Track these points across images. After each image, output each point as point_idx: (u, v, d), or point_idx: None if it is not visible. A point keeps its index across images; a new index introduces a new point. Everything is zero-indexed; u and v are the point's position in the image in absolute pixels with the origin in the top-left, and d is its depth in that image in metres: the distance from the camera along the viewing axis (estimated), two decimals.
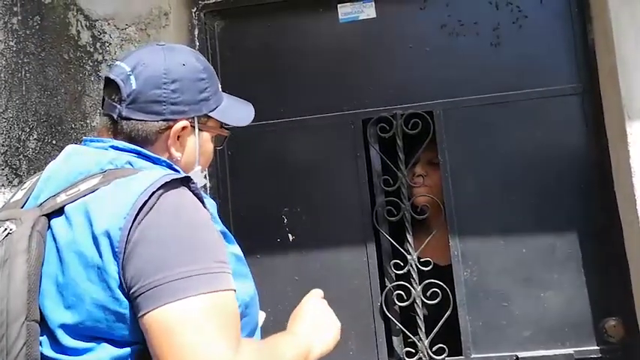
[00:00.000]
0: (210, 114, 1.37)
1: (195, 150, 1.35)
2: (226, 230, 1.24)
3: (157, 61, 1.31)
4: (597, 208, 2.20)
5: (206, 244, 1.14)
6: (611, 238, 2.16)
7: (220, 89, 1.42)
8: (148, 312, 1.05)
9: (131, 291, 1.07)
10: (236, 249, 1.25)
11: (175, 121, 1.30)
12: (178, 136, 1.32)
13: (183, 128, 1.31)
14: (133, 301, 1.08)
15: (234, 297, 1.13)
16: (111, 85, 1.31)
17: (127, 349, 1.11)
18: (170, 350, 1.03)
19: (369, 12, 2.35)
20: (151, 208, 1.11)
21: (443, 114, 2.27)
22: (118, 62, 1.33)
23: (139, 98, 1.28)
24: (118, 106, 1.29)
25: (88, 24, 2.30)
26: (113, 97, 1.31)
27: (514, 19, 2.28)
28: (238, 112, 1.47)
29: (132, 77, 1.28)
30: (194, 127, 1.34)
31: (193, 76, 1.33)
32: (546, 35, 2.26)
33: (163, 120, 1.30)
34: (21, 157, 2.27)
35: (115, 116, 1.30)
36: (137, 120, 1.29)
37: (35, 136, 2.28)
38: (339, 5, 2.36)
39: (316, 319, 1.36)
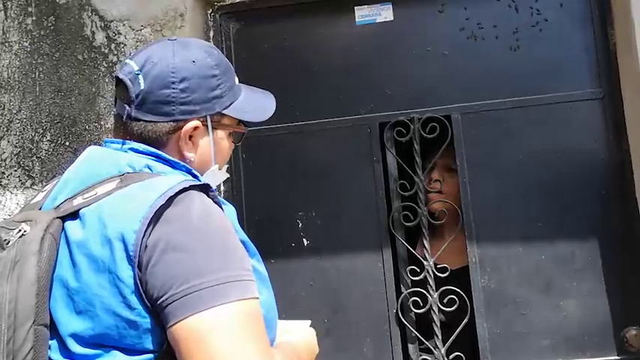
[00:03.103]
0: (225, 112, 1.30)
1: (210, 149, 1.30)
2: (247, 239, 1.20)
3: (166, 59, 1.24)
4: (618, 214, 2.16)
5: (234, 250, 1.11)
6: (632, 246, 2.13)
7: (237, 83, 1.35)
8: (180, 320, 1.02)
9: (159, 300, 1.04)
10: (254, 261, 1.21)
11: (186, 121, 1.25)
12: (190, 136, 1.26)
13: (195, 128, 1.26)
14: (162, 311, 1.04)
15: (259, 304, 1.10)
16: (120, 84, 1.27)
17: (138, 358, 1.07)
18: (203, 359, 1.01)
19: (386, 14, 2.32)
20: (171, 214, 1.08)
21: (461, 118, 2.24)
22: (127, 60, 1.28)
23: (147, 99, 1.23)
24: (127, 107, 1.24)
25: (102, 25, 2.28)
26: (123, 97, 1.26)
27: (534, 22, 2.25)
28: (256, 108, 1.38)
29: (140, 77, 1.23)
30: (207, 126, 1.28)
31: (204, 74, 1.26)
32: (567, 39, 2.23)
33: (173, 121, 1.24)
34: (34, 158, 2.25)
35: (124, 117, 1.25)
36: (146, 121, 1.24)
37: (48, 138, 2.26)
38: (355, 8, 2.34)
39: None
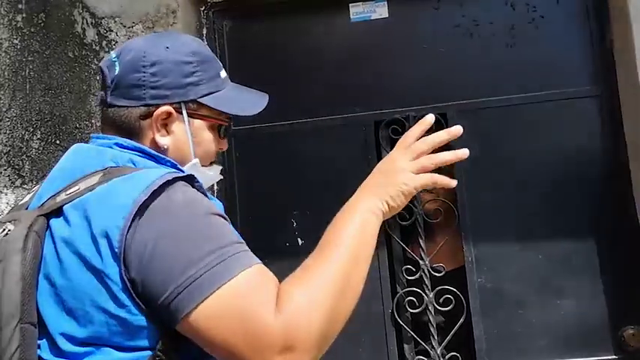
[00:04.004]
0: (201, 100, 1.28)
1: (188, 139, 1.28)
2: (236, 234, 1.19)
3: (141, 46, 1.26)
4: (615, 213, 2.14)
5: (222, 228, 1.10)
6: (630, 244, 2.11)
7: (222, 77, 1.33)
8: (193, 310, 1.01)
9: (162, 298, 1.02)
10: None
11: (157, 106, 1.24)
12: (165, 124, 1.25)
13: (169, 115, 1.24)
14: (166, 307, 1.02)
15: (264, 267, 1.09)
16: (101, 74, 1.29)
17: (130, 355, 1.06)
18: (231, 335, 1.01)
19: (381, 11, 2.30)
20: (156, 208, 1.06)
21: (457, 116, 2.22)
22: (111, 52, 1.31)
23: (120, 83, 1.24)
24: (104, 94, 1.26)
25: (93, 22, 2.25)
26: (102, 85, 1.28)
27: (530, 19, 2.23)
28: (241, 101, 1.36)
29: (116, 63, 1.25)
30: (181, 113, 1.26)
31: (177, 59, 1.25)
32: (563, 36, 2.21)
33: (144, 105, 1.24)
34: (24, 157, 2.22)
35: (103, 104, 1.27)
36: (119, 106, 1.24)
37: (39, 136, 2.22)
38: (350, 4, 2.32)
39: (375, 178, 1.33)
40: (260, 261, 1.09)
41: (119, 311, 1.04)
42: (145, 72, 1.23)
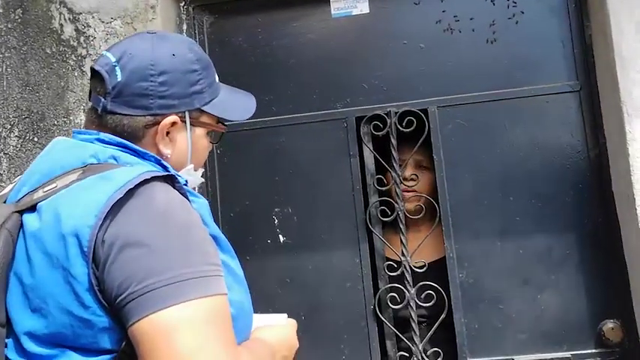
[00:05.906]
0: (204, 108, 1.27)
1: (187, 146, 1.26)
2: (219, 234, 1.16)
3: (145, 52, 1.21)
4: (595, 208, 2.15)
5: (198, 245, 1.06)
6: (609, 239, 2.12)
7: (217, 80, 1.32)
8: (141, 319, 0.97)
9: (117, 299, 0.99)
10: (226, 257, 1.17)
11: (164, 115, 1.21)
12: (168, 132, 1.23)
13: (173, 124, 1.22)
14: (120, 310, 1.00)
15: (227, 301, 1.05)
16: (96, 76, 1.23)
17: (95, 359, 1.03)
18: (165, 358, 0.96)
19: (362, 7, 2.29)
20: (129, 207, 1.03)
21: (438, 112, 2.22)
22: (104, 52, 1.25)
23: (124, 91, 1.19)
24: (103, 100, 1.20)
25: (71, 17, 2.22)
26: (98, 89, 1.22)
27: (510, 14, 2.23)
28: (236, 106, 1.35)
29: (117, 68, 1.20)
30: (185, 122, 1.24)
31: (184, 68, 1.23)
32: (543, 31, 2.22)
33: (151, 115, 1.20)
34: (1, 154, 2.19)
35: (100, 110, 1.21)
36: (123, 114, 1.20)
37: (16, 133, 2.20)
38: (331, 0, 2.30)
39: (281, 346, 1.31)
40: (227, 291, 1.05)
41: (83, 312, 1.02)
42: (153, 81, 1.19)
